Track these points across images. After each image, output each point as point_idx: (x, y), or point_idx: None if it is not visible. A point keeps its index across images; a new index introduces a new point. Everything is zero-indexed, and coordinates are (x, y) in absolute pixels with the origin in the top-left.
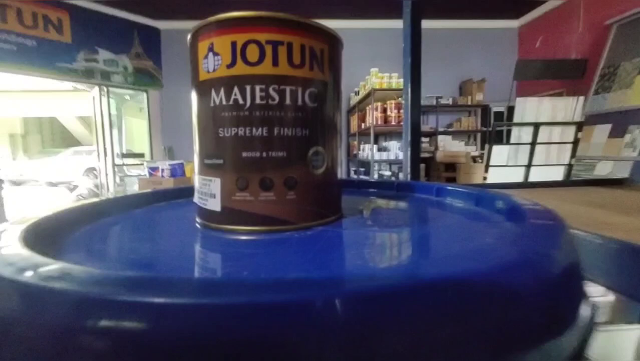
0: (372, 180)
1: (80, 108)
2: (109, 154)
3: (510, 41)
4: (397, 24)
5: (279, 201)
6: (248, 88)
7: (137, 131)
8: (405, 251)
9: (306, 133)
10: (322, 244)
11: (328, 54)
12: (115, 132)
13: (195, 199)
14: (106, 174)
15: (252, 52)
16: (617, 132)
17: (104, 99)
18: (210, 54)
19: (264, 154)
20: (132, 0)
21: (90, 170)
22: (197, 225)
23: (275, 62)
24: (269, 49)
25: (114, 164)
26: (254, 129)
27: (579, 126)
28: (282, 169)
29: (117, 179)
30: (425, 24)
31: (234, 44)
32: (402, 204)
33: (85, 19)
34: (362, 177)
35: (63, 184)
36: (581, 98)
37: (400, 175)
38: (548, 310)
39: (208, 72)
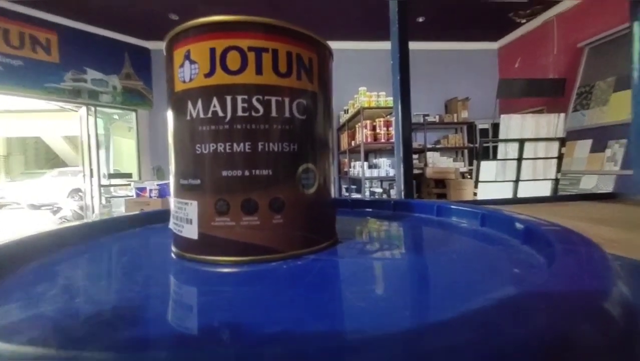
0: (368, 199)
1: (67, 128)
2: (95, 174)
3: (491, 62)
4: (384, 45)
5: (264, 227)
6: (228, 99)
7: (125, 151)
8: (416, 294)
9: (294, 148)
10: (313, 281)
11: (317, 63)
12: (102, 152)
13: (171, 225)
14: (92, 196)
15: (233, 60)
16: (598, 147)
17: (92, 119)
18: (187, 62)
19: (247, 173)
20: (121, 21)
21: (75, 191)
22: (173, 255)
23: (259, 71)
24: (251, 56)
25: (100, 185)
26: (235, 145)
27: (562, 141)
28: (268, 190)
29: (103, 201)
30: (410, 45)
31: (212, 51)
32: (402, 226)
33: (74, 40)
34: (355, 195)
35: (46, 206)
36: (562, 115)
37: (392, 191)
38: None
39: (184, 82)
